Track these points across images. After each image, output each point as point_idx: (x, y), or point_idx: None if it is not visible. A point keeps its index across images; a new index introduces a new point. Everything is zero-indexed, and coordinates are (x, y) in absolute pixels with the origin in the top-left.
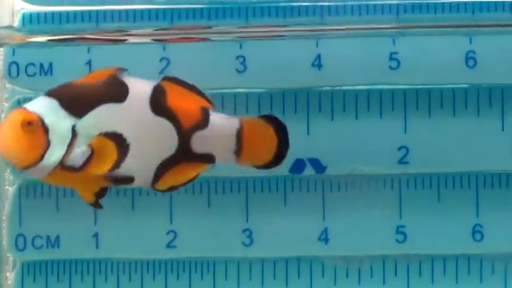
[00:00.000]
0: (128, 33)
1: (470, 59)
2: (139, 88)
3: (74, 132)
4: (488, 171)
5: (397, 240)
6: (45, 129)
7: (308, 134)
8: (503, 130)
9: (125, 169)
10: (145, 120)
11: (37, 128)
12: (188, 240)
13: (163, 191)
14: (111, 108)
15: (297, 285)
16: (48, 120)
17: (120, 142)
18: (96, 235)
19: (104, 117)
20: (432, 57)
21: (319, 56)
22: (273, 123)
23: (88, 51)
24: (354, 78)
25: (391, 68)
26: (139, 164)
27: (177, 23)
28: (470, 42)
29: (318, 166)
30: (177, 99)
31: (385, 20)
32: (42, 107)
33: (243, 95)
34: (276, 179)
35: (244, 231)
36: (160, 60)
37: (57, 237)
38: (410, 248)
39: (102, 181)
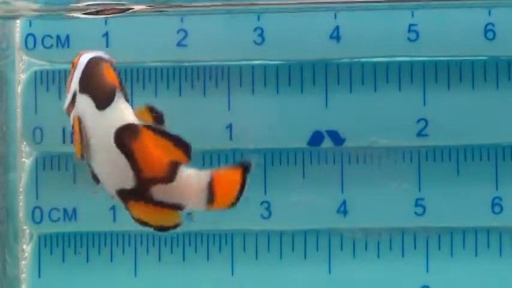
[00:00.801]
0: (146, 5)
1: (489, 31)
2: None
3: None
4: (508, 143)
5: (416, 213)
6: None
7: (326, 106)
8: None
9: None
10: (109, 149)
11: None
12: (206, 212)
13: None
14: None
15: (316, 257)
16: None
17: None
18: (113, 208)
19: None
20: (451, 30)
21: (337, 28)
22: (240, 171)
23: (105, 23)
24: (373, 50)
25: (409, 40)
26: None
27: None
28: (489, 14)
29: (337, 138)
30: (144, 145)
31: None
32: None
33: (261, 66)
34: (294, 152)
35: (262, 203)
36: (178, 31)
37: (74, 210)
38: (429, 221)
39: None
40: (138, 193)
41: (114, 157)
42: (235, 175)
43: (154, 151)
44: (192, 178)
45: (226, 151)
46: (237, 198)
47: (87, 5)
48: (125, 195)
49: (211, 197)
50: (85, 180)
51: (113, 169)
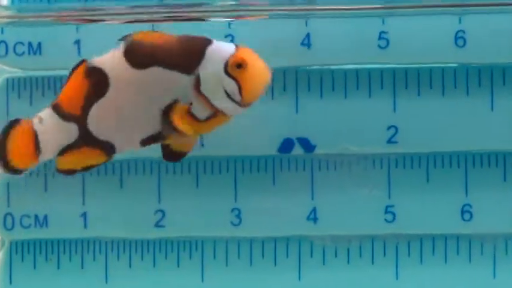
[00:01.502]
0: (116, 11)
1: (459, 39)
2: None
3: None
4: (478, 150)
5: (386, 220)
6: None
7: (297, 112)
8: (492, 110)
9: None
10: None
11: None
12: (176, 219)
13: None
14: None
15: (286, 264)
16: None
17: None
18: (84, 214)
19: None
20: (421, 37)
21: (308, 35)
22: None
23: (77, 30)
24: (343, 57)
25: (380, 47)
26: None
27: (166, 1)
28: (460, 22)
29: (307, 145)
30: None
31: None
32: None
33: None
34: (265, 159)
35: (232, 210)
36: None
37: (45, 217)
38: (399, 227)
39: None
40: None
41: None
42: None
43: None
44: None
45: (197, 158)
46: None
47: (60, 14)
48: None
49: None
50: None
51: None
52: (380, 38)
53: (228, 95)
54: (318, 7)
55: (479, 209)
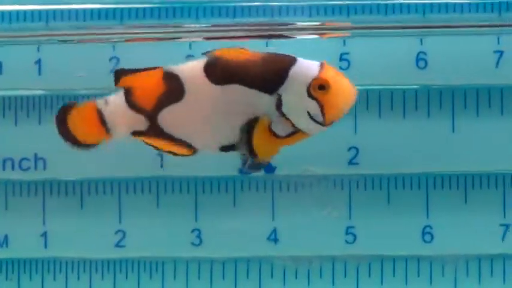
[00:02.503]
0: (79, 32)
1: (421, 60)
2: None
3: None
4: (438, 172)
5: (346, 241)
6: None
7: None
8: (453, 131)
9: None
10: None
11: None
12: (137, 240)
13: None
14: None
15: (246, 285)
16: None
17: None
18: (44, 234)
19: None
20: (383, 58)
21: None
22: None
23: (38, 50)
24: None
25: (341, 68)
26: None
27: (127, 23)
28: (421, 43)
29: (268, 167)
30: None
31: (335, 20)
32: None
33: None
34: (226, 180)
35: (193, 231)
36: (110, 59)
37: (6, 237)
38: (359, 249)
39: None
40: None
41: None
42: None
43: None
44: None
45: (157, 178)
46: None
47: (21, 34)
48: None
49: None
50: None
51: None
52: (341, 59)
53: (311, 116)
54: (278, 27)
55: (440, 231)
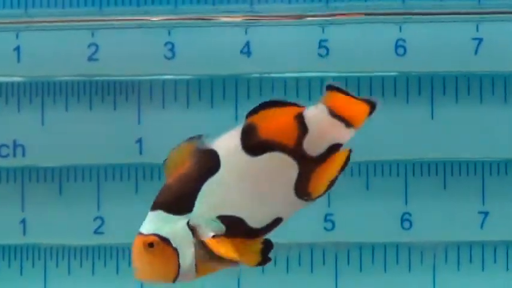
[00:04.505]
0: (58, 19)
1: (399, 47)
2: (227, 144)
3: (193, 228)
4: (417, 159)
5: (325, 228)
6: (166, 240)
7: (236, 120)
8: (432, 118)
9: (266, 217)
10: (249, 168)
11: (158, 244)
12: (115, 226)
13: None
14: (212, 184)
15: (224, 272)
16: (164, 232)
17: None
18: (23, 221)
19: (211, 197)
20: (362, 45)
21: (248, 43)
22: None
23: (17, 37)
24: (283, 65)
25: (320, 55)
26: (276, 202)
27: (106, 9)
28: (400, 30)
29: None
30: (268, 127)
31: (314, 8)
32: (153, 222)
33: (172, 81)
34: None
35: None
36: (89, 46)
37: None
38: (338, 236)
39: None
40: (303, 166)
41: (260, 167)
42: (339, 93)
43: (278, 121)
44: (316, 115)
45: (136, 165)
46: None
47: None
48: (301, 179)
49: (342, 120)
50: None
51: (272, 177)
52: (320, 46)
53: None
54: (257, 15)
55: (418, 218)
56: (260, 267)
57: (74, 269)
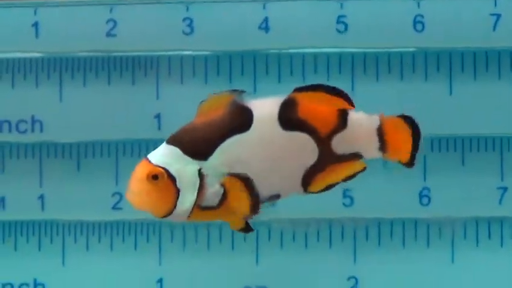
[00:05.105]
0: None
1: (418, 23)
2: (265, 109)
3: (201, 175)
4: (436, 135)
5: (344, 204)
6: (172, 179)
7: (255, 92)
8: (450, 94)
9: (269, 189)
10: (277, 140)
11: (163, 179)
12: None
13: (319, 191)
14: (237, 141)
15: (243, 248)
16: (173, 170)
17: (249, 184)
18: (41, 197)
19: (231, 152)
20: (380, 21)
21: (266, 19)
22: (410, 125)
23: (35, 12)
24: (301, 41)
25: (338, 31)
26: (283, 179)
27: None
28: (419, 6)
29: None
30: (309, 108)
31: None
32: (165, 156)
33: (190, 57)
34: None
35: None
36: (107, 21)
37: (3, 199)
38: (357, 211)
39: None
40: (323, 157)
41: (286, 143)
42: (404, 129)
43: (320, 107)
44: (362, 121)
45: (155, 140)
46: (415, 148)
47: None
48: (313, 170)
49: (382, 142)
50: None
51: (292, 154)
52: (338, 22)
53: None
54: None
55: (437, 194)
56: (279, 244)
57: (92, 245)
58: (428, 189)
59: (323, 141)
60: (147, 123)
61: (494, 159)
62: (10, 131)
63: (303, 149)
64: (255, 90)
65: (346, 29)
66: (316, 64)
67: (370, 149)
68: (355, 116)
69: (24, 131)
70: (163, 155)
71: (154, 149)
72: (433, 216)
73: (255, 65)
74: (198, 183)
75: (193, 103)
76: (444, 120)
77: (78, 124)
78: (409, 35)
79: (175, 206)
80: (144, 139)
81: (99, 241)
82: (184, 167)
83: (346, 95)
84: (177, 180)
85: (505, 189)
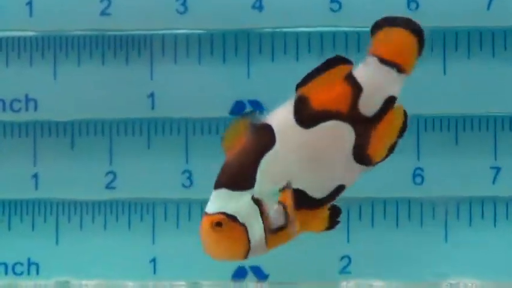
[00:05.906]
0: None
1: (412, 2)
2: (281, 117)
3: (257, 201)
4: (429, 114)
5: None
6: (233, 218)
7: (248, 76)
8: (444, 74)
9: (326, 185)
10: (304, 140)
11: (226, 221)
12: (127, 181)
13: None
14: (270, 158)
15: None
16: (229, 209)
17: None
18: (35, 176)
19: (270, 170)
20: (374, 0)
21: None
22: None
23: None
24: (295, 20)
25: (332, 10)
26: (334, 171)
27: None
28: None
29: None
30: (320, 96)
31: None
32: (218, 202)
33: (184, 36)
34: (217, 121)
35: (183, 172)
36: (101, 0)
37: None
38: (350, 191)
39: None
40: (359, 131)
41: (315, 138)
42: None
43: (328, 88)
44: (368, 69)
45: (148, 119)
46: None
47: None
48: (360, 143)
49: (397, 64)
50: None
51: (329, 144)
52: (332, 0)
53: None
54: None
55: (430, 173)
56: None
57: (86, 224)
58: (422, 169)
59: (352, 116)
60: (141, 103)
61: (487, 139)
62: (4, 109)
63: (335, 134)
64: (248, 69)
65: (340, 7)
66: (310, 43)
67: (394, 81)
68: (360, 72)
69: (18, 110)
70: (215, 202)
71: (148, 127)
72: (426, 196)
73: (248, 44)
74: (258, 210)
75: (186, 82)
76: (438, 99)
77: (72, 103)
78: (403, 14)
79: (249, 241)
80: (138, 118)
81: (93, 220)
82: (238, 202)
83: (338, 59)
84: (238, 217)
85: (498, 168)
